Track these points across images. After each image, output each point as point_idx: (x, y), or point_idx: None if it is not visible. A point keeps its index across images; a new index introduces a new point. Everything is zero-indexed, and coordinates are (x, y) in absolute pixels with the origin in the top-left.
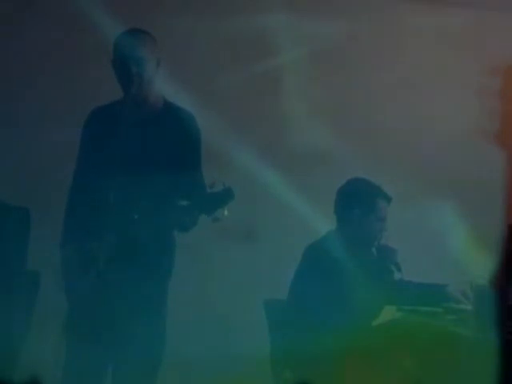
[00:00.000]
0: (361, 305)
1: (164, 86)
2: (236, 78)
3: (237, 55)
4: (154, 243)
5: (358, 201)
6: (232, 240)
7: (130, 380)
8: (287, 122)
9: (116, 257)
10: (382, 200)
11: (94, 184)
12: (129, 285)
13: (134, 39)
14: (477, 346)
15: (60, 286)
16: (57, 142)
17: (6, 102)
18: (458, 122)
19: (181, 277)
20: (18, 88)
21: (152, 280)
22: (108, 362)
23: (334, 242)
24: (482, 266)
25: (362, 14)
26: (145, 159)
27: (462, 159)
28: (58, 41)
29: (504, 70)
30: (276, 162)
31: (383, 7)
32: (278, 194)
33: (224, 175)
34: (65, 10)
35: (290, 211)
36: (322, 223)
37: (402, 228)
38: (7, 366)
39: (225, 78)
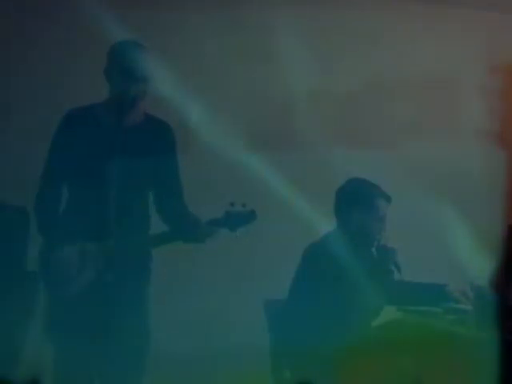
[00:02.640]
0: (361, 305)
1: (169, 90)
2: (239, 82)
3: (241, 60)
4: (139, 247)
5: (357, 200)
6: (232, 240)
7: (117, 377)
8: (287, 122)
9: (106, 258)
10: (381, 199)
11: (65, 186)
12: (119, 285)
13: (131, 53)
14: (477, 346)
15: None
16: None
17: (7, 102)
18: (458, 121)
19: (181, 277)
20: (19, 88)
21: (137, 282)
22: (96, 361)
23: (334, 242)
24: (481, 266)
25: (362, 15)
26: (122, 166)
27: (462, 159)
28: (59, 43)
29: (504, 69)
30: (276, 162)
31: (383, 7)
32: (277, 194)
33: (223, 175)
34: (66, 14)
35: (289, 211)
36: (322, 223)
37: (402, 228)
38: (7, 365)
39: (229, 81)
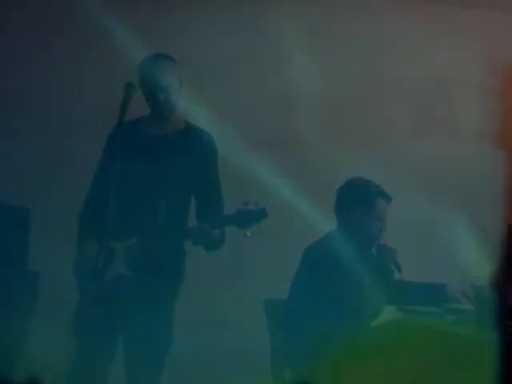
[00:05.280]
0: (361, 304)
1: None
2: (241, 83)
3: (243, 61)
4: (168, 250)
5: (357, 200)
6: (232, 240)
7: (135, 375)
8: (288, 122)
9: (129, 257)
10: (381, 199)
11: (114, 191)
12: (140, 285)
13: (158, 66)
14: (477, 346)
15: (60, 286)
16: (57, 142)
17: (9, 103)
18: (458, 121)
19: None
20: (24, 89)
21: (163, 282)
22: (113, 359)
23: (334, 242)
24: (481, 266)
25: (362, 15)
26: (164, 175)
27: (462, 159)
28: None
29: (504, 69)
30: (276, 162)
31: (383, 9)
32: (278, 194)
33: (223, 175)
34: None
35: (290, 211)
36: (322, 223)
37: (402, 228)
38: (7, 365)
39: (231, 82)
